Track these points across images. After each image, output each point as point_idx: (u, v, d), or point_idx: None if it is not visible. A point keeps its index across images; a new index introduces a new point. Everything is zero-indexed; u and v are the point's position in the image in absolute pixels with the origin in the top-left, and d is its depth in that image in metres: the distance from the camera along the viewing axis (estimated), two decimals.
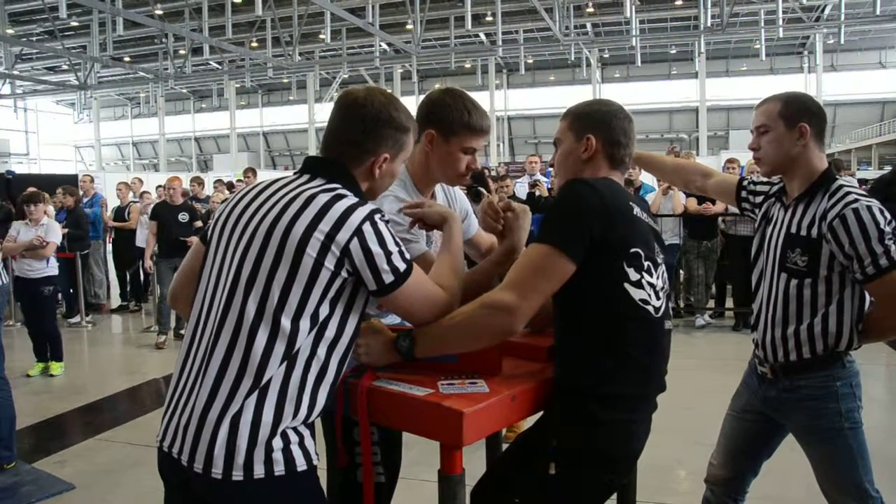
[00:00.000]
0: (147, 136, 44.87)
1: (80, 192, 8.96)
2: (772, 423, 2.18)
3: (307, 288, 1.41)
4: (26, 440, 4.33)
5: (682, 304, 7.83)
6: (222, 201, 1.59)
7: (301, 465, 1.43)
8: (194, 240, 6.68)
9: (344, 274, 1.44)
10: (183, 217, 7.29)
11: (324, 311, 1.44)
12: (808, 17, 26.62)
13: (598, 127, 1.78)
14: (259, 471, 1.38)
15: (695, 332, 7.28)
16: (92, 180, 9.88)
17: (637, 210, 1.75)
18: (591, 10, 26.91)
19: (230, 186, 10.51)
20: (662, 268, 1.75)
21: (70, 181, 10.75)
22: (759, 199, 2.28)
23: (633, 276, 1.64)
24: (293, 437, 1.43)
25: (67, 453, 4.20)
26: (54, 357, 6.02)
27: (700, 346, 6.80)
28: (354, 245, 1.43)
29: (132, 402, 5.43)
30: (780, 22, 23.27)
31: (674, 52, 34.72)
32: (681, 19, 29.18)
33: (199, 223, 7.62)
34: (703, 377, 5.12)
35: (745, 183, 2.34)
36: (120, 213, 9.22)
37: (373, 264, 1.45)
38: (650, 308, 1.67)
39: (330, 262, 1.42)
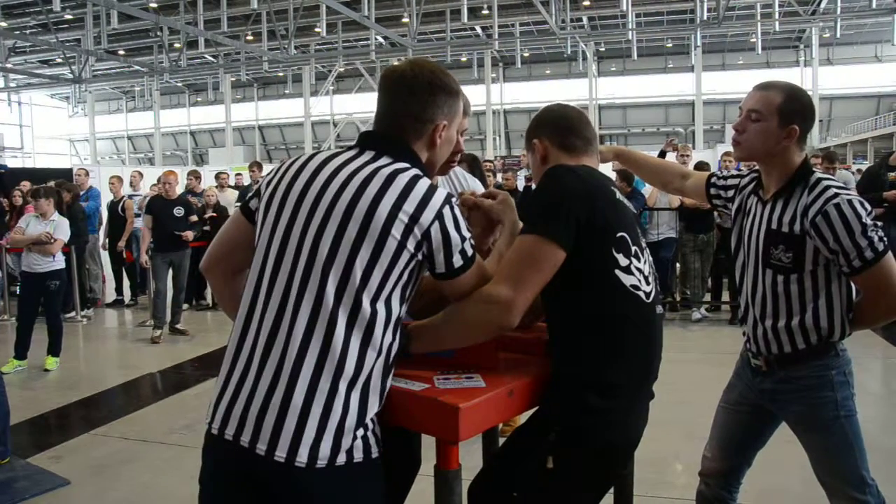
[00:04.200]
0: (142, 130, 44.75)
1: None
2: (765, 415, 2.19)
3: (388, 269, 1.41)
4: (20, 435, 4.30)
5: (678, 298, 7.83)
6: (269, 173, 1.57)
7: (374, 452, 1.44)
8: (189, 234, 6.60)
9: (419, 256, 1.44)
10: (178, 211, 7.26)
11: (397, 291, 1.44)
12: (804, 11, 26.63)
13: (539, 129, 1.87)
14: (342, 459, 1.38)
15: (691, 325, 7.30)
16: (87, 174, 9.82)
17: (619, 194, 1.75)
18: (587, 3, 26.87)
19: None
20: (648, 252, 1.77)
21: (65, 175, 10.68)
22: (730, 192, 2.28)
23: (623, 261, 1.64)
24: (370, 425, 1.43)
25: (62, 448, 4.18)
26: (52, 351, 6.00)
27: (696, 339, 6.81)
28: (435, 228, 1.43)
29: (128, 396, 5.41)
30: (777, 15, 23.26)
31: (670, 45, 34.69)
32: (677, 13, 29.18)
33: (194, 217, 7.60)
34: (699, 371, 5.13)
35: (714, 180, 2.35)
36: (113, 207, 9.16)
37: (448, 248, 1.45)
38: (641, 294, 1.68)
39: (411, 244, 1.41)
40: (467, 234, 1.49)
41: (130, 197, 9.43)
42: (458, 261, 1.47)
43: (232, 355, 1.47)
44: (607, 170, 2.37)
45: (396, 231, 1.40)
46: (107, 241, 9.32)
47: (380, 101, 1.59)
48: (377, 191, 1.42)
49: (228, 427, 1.41)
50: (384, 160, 1.49)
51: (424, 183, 1.45)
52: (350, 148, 1.56)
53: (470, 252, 1.50)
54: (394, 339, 1.46)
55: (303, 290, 1.41)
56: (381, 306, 1.41)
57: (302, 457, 1.35)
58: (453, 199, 1.48)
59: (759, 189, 2.13)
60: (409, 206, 1.41)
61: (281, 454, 1.35)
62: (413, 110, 1.55)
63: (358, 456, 1.40)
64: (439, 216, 1.43)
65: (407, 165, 1.49)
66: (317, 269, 1.41)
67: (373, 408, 1.43)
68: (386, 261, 1.40)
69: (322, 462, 1.36)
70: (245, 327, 1.47)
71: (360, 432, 1.41)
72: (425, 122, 1.55)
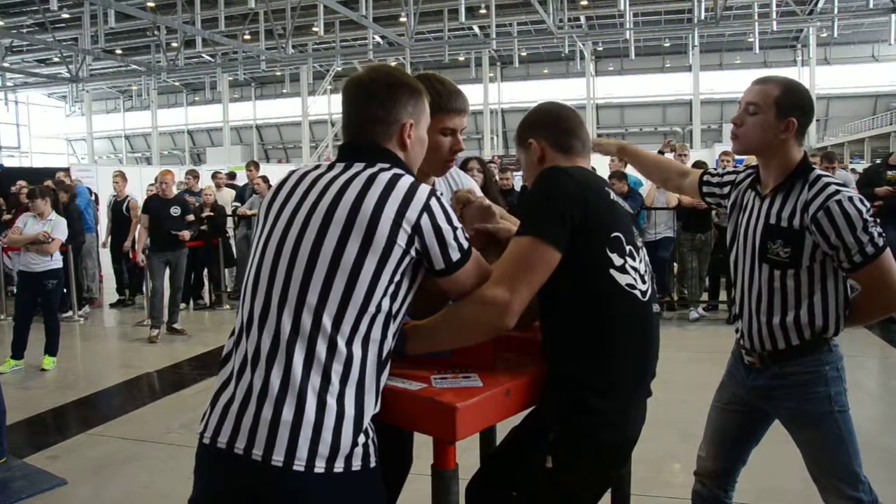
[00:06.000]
0: (139, 129, 44.63)
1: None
2: (758, 413, 2.19)
3: (378, 268, 1.39)
4: (17, 435, 4.29)
5: (675, 298, 7.83)
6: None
7: (373, 462, 1.42)
8: (186, 234, 6.62)
9: (413, 253, 1.43)
10: (175, 211, 7.25)
11: (391, 290, 1.42)
12: (802, 11, 26.63)
13: (536, 129, 1.86)
14: (339, 465, 1.36)
15: (688, 325, 7.30)
16: (68, 173, 9.79)
17: (613, 195, 1.76)
18: (584, 2, 26.87)
19: (231, 177, 10.48)
20: (644, 251, 1.77)
21: None
22: (725, 189, 2.29)
23: (617, 260, 1.65)
24: (370, 433, 1.42)
25: (59, 448, 4.17)
26: (49, 351, 5.98)
27: (694, 339, 6.81)
28: (425, 222, 1.42)
29: (125, 396, 5.41)
30: (774, 15, 23.26)
31: (668, 45, 34.71)
32: (674, 12, 29.18)
33: (191, 217, 7.59)
34: (696, 370, 5.13)
35: (707, 177, 2.35)
36: (117, 206, 9.10)
37: (442, 241, 1.44)
38: (637, 292, 1.68)
39: (402, 240, 1.40)
40: (458, 224, 1.48)
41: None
42: (455, 253, 1.46)
43: (230, 368, 1.46)
44: (604, 170, 2.39)
45: (384, 228, 1.39)
46: (108, 239, 9.29)
47: (344, 111, 1.60)
48: (358, 192, 1.42)
49: (221, 435, 1.40)
50: (363, 165, 1.50)
51: (406, 180, 1.45)
52: (336, 161, 1.57)
53: (466, 244, 1.49)
54: (384, 336, 1.44)
55: (285, 295, 1.40)
56: (372, 307, 1.40)
57: (300, 460, 1.33)
58: (438, 192, 1.47)
59: (756, 184, 2.13)
60: (394, 202, 1.41)
61: (278, 458, 1.33)
62: (377, 114, 1.55)
63: (356, 464, 1.38)
64: (426, 209, 1.43)
65: (387, 166, 1.50)
66: (297, 274, 1.40)
67: (369, 409, 1.41)
68: (375, 259, 1.39)
69: (320, 466, 1.34)
70: (239, 339, 1.47)
71: (362, 439, 1.39)
72: (391, 123, 1.56)
